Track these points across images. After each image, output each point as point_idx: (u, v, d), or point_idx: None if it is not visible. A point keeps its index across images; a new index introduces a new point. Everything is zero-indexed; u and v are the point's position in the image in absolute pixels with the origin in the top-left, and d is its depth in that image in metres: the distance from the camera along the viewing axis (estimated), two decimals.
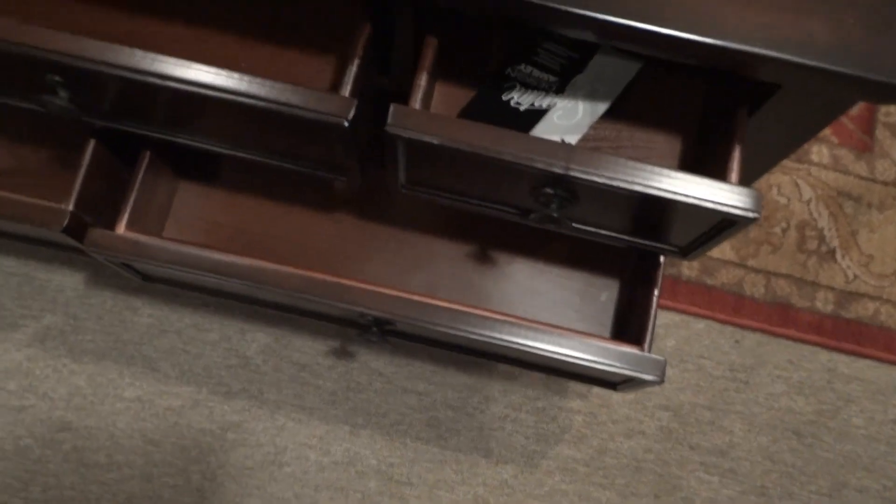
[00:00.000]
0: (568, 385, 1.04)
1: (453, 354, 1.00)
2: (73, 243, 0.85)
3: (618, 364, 0.79)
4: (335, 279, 0.78)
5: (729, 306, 1.07)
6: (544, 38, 0.78)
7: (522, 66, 0.77)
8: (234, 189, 0.93)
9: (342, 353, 1.03)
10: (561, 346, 0.77)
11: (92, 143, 0.83)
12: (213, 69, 0.63)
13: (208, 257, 0.77)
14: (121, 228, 0.81)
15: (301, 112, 0.63)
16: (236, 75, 0.63)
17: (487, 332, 0.77)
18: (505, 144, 0.62)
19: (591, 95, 0.75)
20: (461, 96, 0.75)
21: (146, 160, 0.84)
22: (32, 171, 0.93)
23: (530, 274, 0.93)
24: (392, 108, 0.62)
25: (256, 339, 1.03)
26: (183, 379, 1.01)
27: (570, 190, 0.66)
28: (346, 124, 0.63)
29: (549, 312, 0.92)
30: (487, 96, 0.76)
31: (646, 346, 0.80)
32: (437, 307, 0.77)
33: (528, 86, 0.76)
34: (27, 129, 0.93)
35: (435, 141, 0.62)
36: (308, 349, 1.03)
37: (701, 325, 1.07)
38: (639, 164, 0.62)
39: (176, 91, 0.64)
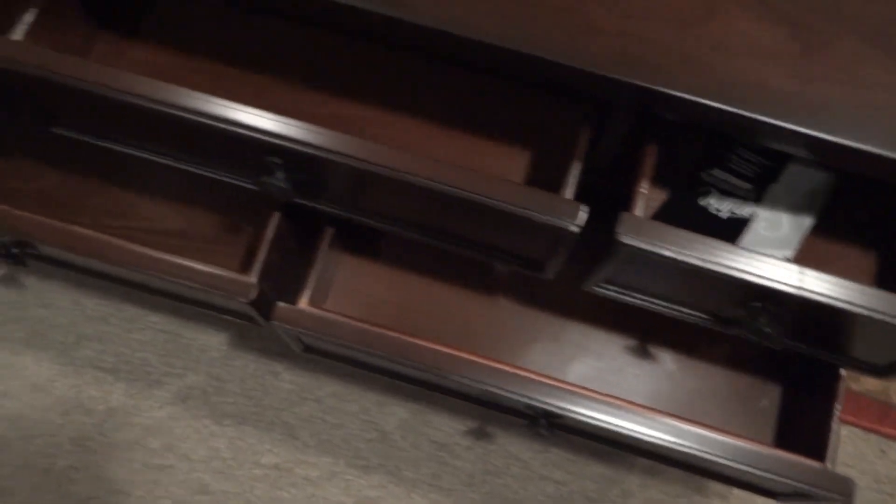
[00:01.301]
0: (708, 484, 1.02)
1: (591, 443, 0.99)
2: (251, 314, 0.86)
3: (795, 478, 0.77)
4: (519, 371, 0.77)
5: (874, 414, 1.05)
6: (737, 144, 0.78)
7: (717, 172, 0.77)
8: (395, 265, 0.94)
9: (481, 434, 1.02)
10: (732, 453, 0.76)
11: (277, 217, 0.85)
12: (447, 165, 0.64)
13: (392, 338, 0.78)
14: (303, 303, 0.81)
15: (529, 214, 0.63)
16: (469, 172, 0.64)
17: (655, 433, 0.76)
18: (736, 260, 0.62)
19: (794, 207, 0.75)
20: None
21: (329, 237, 0.85)
22: (199, 235, 0.94)
23: (687, 371, 0.92)
24: (622, 216, 0.62)
25: (395, 414, 1.02)
26: (321, 449, 1.00)
27: (787, 306, 0.65)
28: (576, 230, 0.63)
29: (704, 412, 0.90)
30: (682, 200, 0.76)
31: (828, 462, 0.78)
32: (617, 406, 0.76)
33: (725, 192, 0.76)
34: (197, 193, 0.95)
35: (667, 253, 0.62)
36: (446, 427, 1.02)
37: (845, 431, 1.04)
38: (875, 291, 0.61)
39: (403, 183, 0.65)
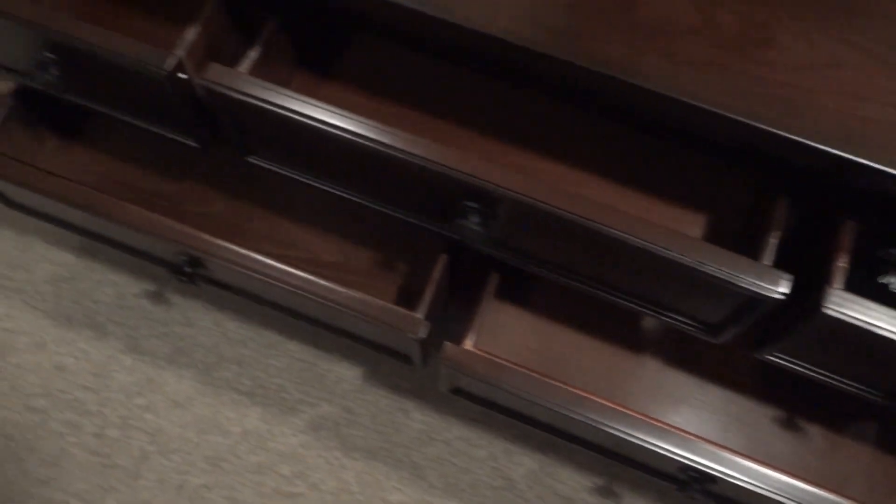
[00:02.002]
0: None
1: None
2: (409, 351, 0.87)
3: None
4: (683, 432, 0.77)
5: None
6: None
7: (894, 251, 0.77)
8: (544, 313, 0.94)
9: (608, 493, 1.01)
10: None
11: (444, 259, 0.87)
12: (652, 224, 0.65)
13: (559, 388, 0.78)
14: (468, 345, 0.83)
15: (732, 279, 0.64)
16: (672, 232, 0.65)
17: None
18: None
19: None
20: None
21: (495, 283, 0.87)
22: (355, 269, 0.97)
23: (838, 447, 0.90)
24: (830, 291, 0.63)
25: (523, 463, 1.02)
26: (448, 492, 1.01)
27: None
28: (780, 298, 0.64)
29: (855, 491, 0.88)
30: (861, 277, 0.76)
31: None
32: (786, 478, 0.75)
33: None
34: (354, 228, 0.98)
35: (877, 328, 0.62)
36: (573, 482, 1.01)
37: None
38: None
39: (606, 238, 0.66)
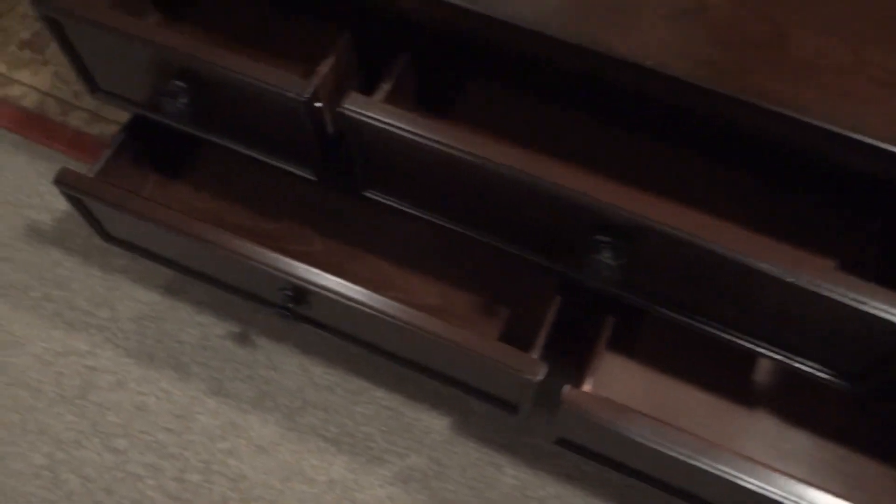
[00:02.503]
0: None
1: None
2: (519, 396, 0.84)
3: None
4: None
5: None
6: None
7: None
8: (653, 357, 0.91)
9: None
10: None
11: (557, 300, 0.85)
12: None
13: (688, 438, 0.74)
14: (588, 388, 0.80)
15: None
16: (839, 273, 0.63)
17: None
18: None
19: None
20: None
21: (611, 326, 0.85)
22: (454, 311, 0.95)
23: None
24: None
25: None
26: None
27: None
28: None
29: None
30: None
31: None
32: None
33: None
34: (451, 270, 0.97)
35: None
36: None
37: None
38: None
39: (759, 275, 0.64)
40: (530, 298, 0.93)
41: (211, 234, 0.86)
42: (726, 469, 0.73)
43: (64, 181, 0.89)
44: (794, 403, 0.89)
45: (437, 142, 0.68)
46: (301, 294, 0.87)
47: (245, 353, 1.08)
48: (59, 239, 1.18)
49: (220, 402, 1.05)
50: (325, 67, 0.75)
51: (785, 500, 0.72)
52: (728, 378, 0.90)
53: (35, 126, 1.28)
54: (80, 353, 1.09)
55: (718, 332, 0.76)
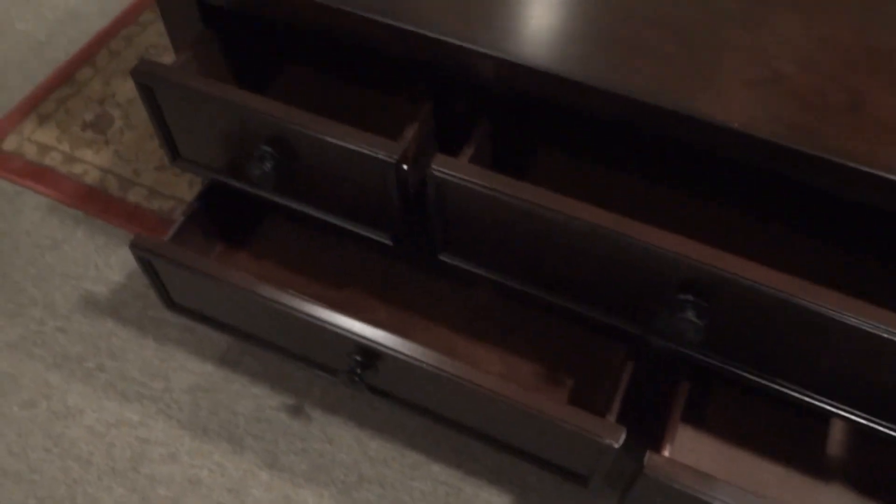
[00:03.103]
0: None
1: None
2: (592, 466, 0.82)
3: None
4: None
5: None
6: None
7: None
8: (721, 431, 0.90)
9: None
10: None
11: (630, 366, 0.85)
12: None
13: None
14: (666, 454, 0.78)
15: None
16: None
17: None
18: None
19: None
20: None
21: (686, 392, 0.84)
22: (520, 380, 0.95)
23: None
24: None
25: None
26: None
27: None
28: None
29: None
30: None
31: None
32: None
33: None
34: (516, 339, 0.97)
35: None
36: None
37: None
38: None
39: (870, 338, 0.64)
40: (597, 367, 0.93)
41: (285, 298, 0.87)
42: None
43: (140, 244, 0.91)
44: (870, 473, 0.87)
45: (525, 200, 0.70)
46: (371, 358, 0.87)
47: (299, 426, 1.07)
48: (114, 310, 1.19)
49: (274, 475, 1.03)
50: (410, 132, 0.79)
51: None
52: (800, 448, 0.88)
53: (95, 201, 1.31)
54: (132, 423, 1.08)
55: (795, 394, 0.75)
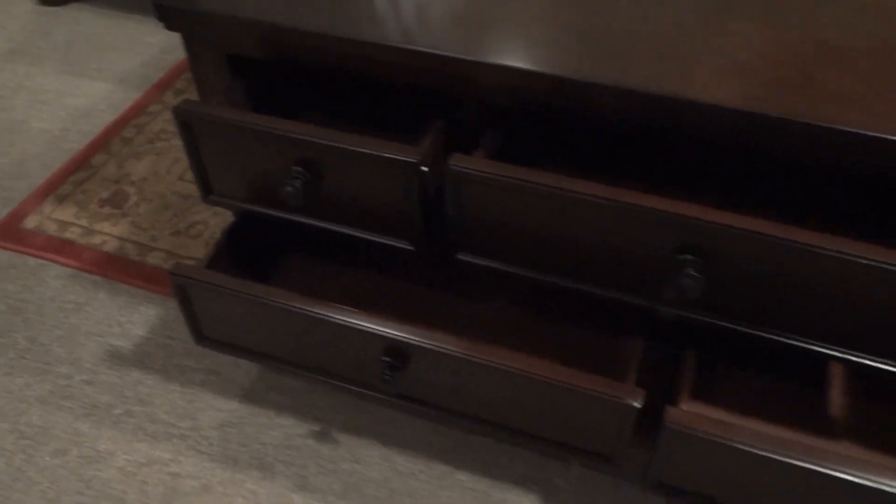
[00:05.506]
0: None
1: None
2: (617, 432, 0.88)
3: None
4: None
5: None
6: None
7: None
8: (729, 408, 0.96)
9: None
10: None
11: (641, 342, 0.92)
12: None
13: (798, 445, 0.78)
14: (685, 408, 0.84)
15: None
16: None
17: None
18: None
19: None
20: None
21: (695, 357, 0.91)
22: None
23: None
24: None
25: None
26: None
27: None
28: None
29: None
30: None
31: None
32: None
33: None
34: (535, 340, 1.04)
35: None
36: None
37: None
38: None
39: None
40: (611, 361, 1.00)
41: (318, 306, 0.94)
42: (847, 469, 0.76)
43: (177, 272, 0.98)
44: (875, 435, 0.93)
45: (536, 182, 0.80)
46: (400, 357, 0.93)
47: (327, 450, 1.10)
48: (140, 361, 1.24)
49: (307, 497, 1.05)
50: (427, 140, 0.89)
51: None
52: (802, 415, 0.95)
53: (115, 267, 1.38)
54: (163, 461, 1.11)
55: (794, 342, 0.83)
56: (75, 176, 1.58)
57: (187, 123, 0.94)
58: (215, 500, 1.06)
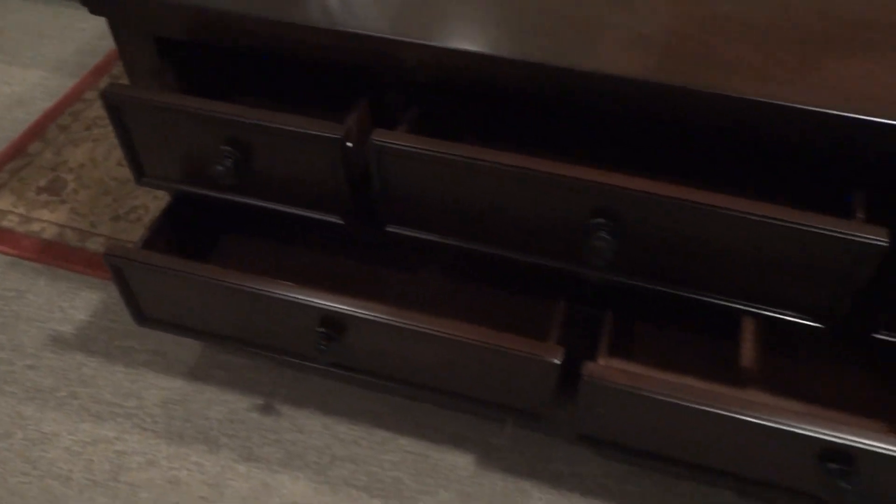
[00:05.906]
0: None
1: None
2: (541, 390, 0.93)
3: None
4: None
5: None
6: None
7: None
8: (647, 363, 1.02)
9: None
10: None
11: (563, 304, 0.98)
12: None
13: (710, 393, 0.84)
14: (602, 363, 0.90)
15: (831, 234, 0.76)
16: None
17: None
18: None
19: None
20: None
21: (612, 319, 0.97)
22: None
23: None
24: None
25: None
26: None
27: None
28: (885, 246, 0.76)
29: None
30: None
31: None
32: None
33: None
34: (463, 309, 1.09)
35: None
36: None
37: None
38: None
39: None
40: (537, 319, 1.05)
41: (254, 281, 0.97)
42: (759, 415, 0.82)
43: (113, 253, 1.00)
44: (784, 381, 1.00)
45: (455, 154, 0.84)
46: (334, 327, 0.97)
47: (271, 421, 1.14)
48: (82, 344, 1.25)
49: (251, 466, 1.09)
50: (351, 118, 0.92)
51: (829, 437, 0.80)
52: (717, 367, 1.01)
53: (55, 253, 1.39)
54: (108, 440, 1.13)
55: (703, 298, 0.89)
56: (11, 164, 1.57)
57: (116, 107, 0.96)
58: (161, 474, 1.09)
